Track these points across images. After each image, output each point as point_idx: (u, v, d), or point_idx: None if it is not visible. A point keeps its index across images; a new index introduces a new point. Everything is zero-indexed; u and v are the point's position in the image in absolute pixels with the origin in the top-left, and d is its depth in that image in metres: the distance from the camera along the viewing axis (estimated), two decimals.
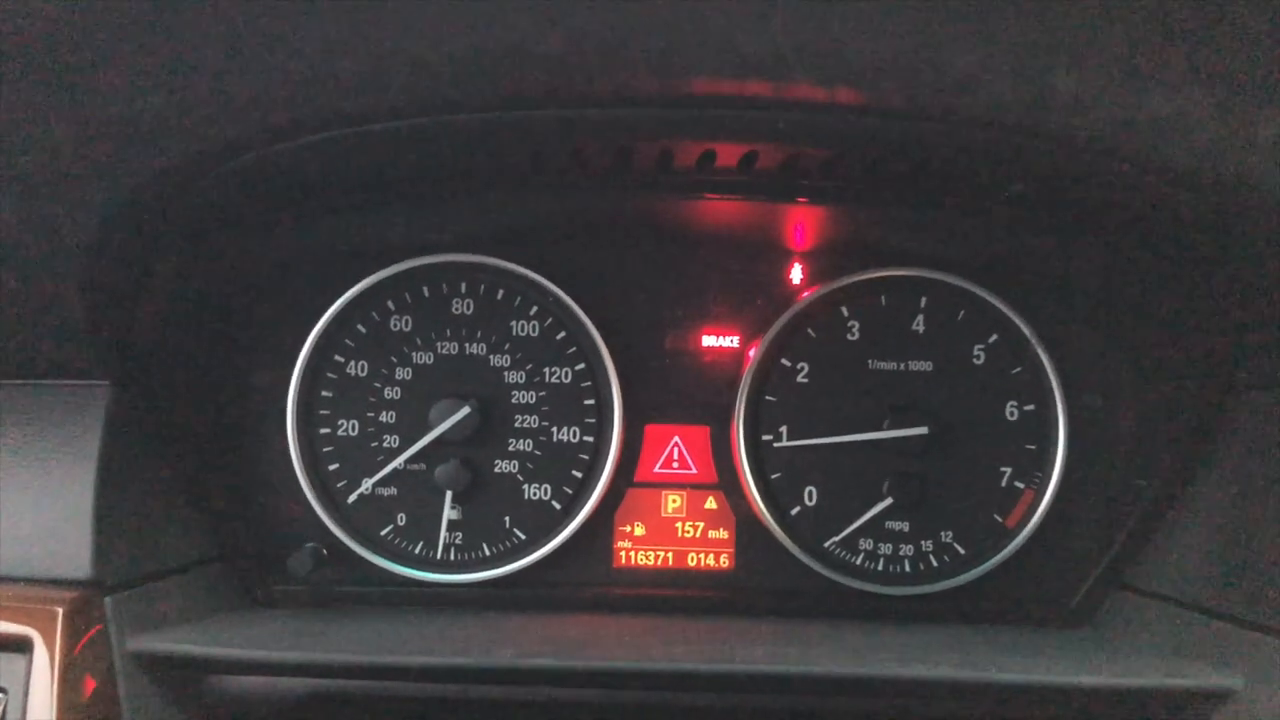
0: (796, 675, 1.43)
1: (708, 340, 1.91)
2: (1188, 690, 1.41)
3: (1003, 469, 1.85)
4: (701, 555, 1.91)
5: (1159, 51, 0.65)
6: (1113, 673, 1.44)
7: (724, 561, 1.90)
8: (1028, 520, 1.83)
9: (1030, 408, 1.85)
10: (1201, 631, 1.52)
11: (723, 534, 1.91)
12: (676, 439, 1.91)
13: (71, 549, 1.47)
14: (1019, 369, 1.85)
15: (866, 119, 1.09)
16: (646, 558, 1.91)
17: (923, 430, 1.81)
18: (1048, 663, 1.51)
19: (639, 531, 1.91)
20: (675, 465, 1.91)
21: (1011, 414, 1.85)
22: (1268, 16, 0.62)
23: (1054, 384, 1.83)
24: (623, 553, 1.91)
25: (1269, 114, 0.65)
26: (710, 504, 1.91)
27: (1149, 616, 1.68)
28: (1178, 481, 1.71)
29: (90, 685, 1.42)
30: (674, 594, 1.89)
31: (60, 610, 1.40)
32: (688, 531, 1.91)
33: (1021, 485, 1.85)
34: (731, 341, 1.91)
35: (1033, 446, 1.85)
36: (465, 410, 1.81)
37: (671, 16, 0.82)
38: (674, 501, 1.91)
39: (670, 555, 1.91)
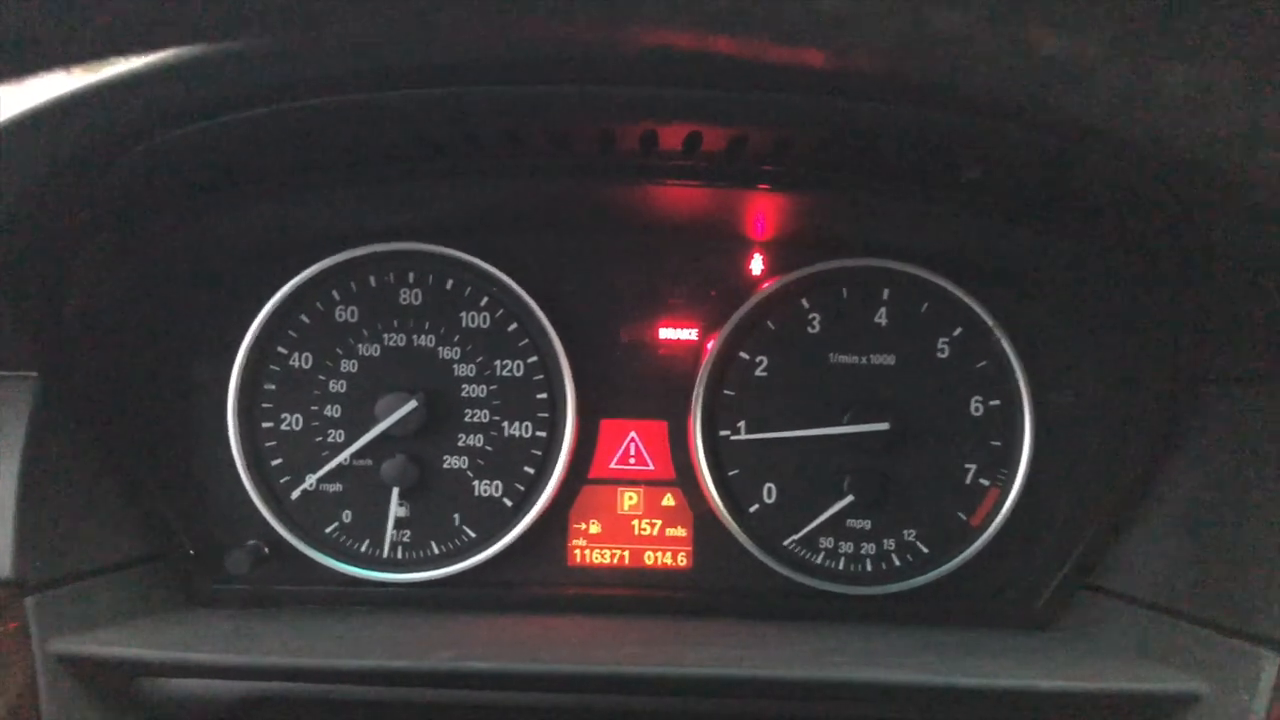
0: (749, 679, 1.38)
1: (665, 333, 1.85)
2: (1152, 694, 1.36)
3: (967, 466, 1.80)
4: (659, 554, 1.85)
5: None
6: (1076, 676, 1.40)
7: (682, 560, 1.85)
8: (992, 519, 1.78)
9: (995, 403, 1.80)
10: (1168, 634, 1.48)
11: (680, 532, 1.85)
12: (633, 434, 1.86)
13: None
14: (984, 363, 1.80)
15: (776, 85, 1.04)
16: (602, 556, 1.85)
17: (884, 426, 1.76)
18: (1010, 666, 1.46)
19: (594, 529, 1.85)
20: (632, 461, 1.86)
21: (976, 409, 1.80)
22: None
23: (1019, 378, 1.78)
24: (577, 551, 1.85)
25: (1173, 65, 0.59)
26: (668, 501, 1.86)
27: (1116, 618, 1.63)
28: (1146, 479, 1.67)
29: (10, 688, 1.36)
30: (630, 593, 1.83)
31: None
32: (644, 529, 1.85)
33: (986, 482, 1.80)
34: (689, 334, 1.85)
35: (998, 443, 1.80)
36: (412, 404, 1.75)
37: None
38: (630, 498, 1.86)
39: (626, 554, 1.85)
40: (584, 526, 1.85)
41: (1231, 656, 1.34)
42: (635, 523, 1.85)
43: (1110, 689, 1.37)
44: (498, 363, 1.81)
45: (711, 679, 1.38)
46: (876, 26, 0.62)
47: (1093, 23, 0.57)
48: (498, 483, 1.81)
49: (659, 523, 1.86)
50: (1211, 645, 1.38)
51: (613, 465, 1.86)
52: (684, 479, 1.85)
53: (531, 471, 1.81)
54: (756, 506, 1.81)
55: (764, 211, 1.77)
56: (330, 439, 1.79)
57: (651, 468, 1.86)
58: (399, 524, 1.79)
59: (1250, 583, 1.35)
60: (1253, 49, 0.60)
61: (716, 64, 0.94)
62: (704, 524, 1.84)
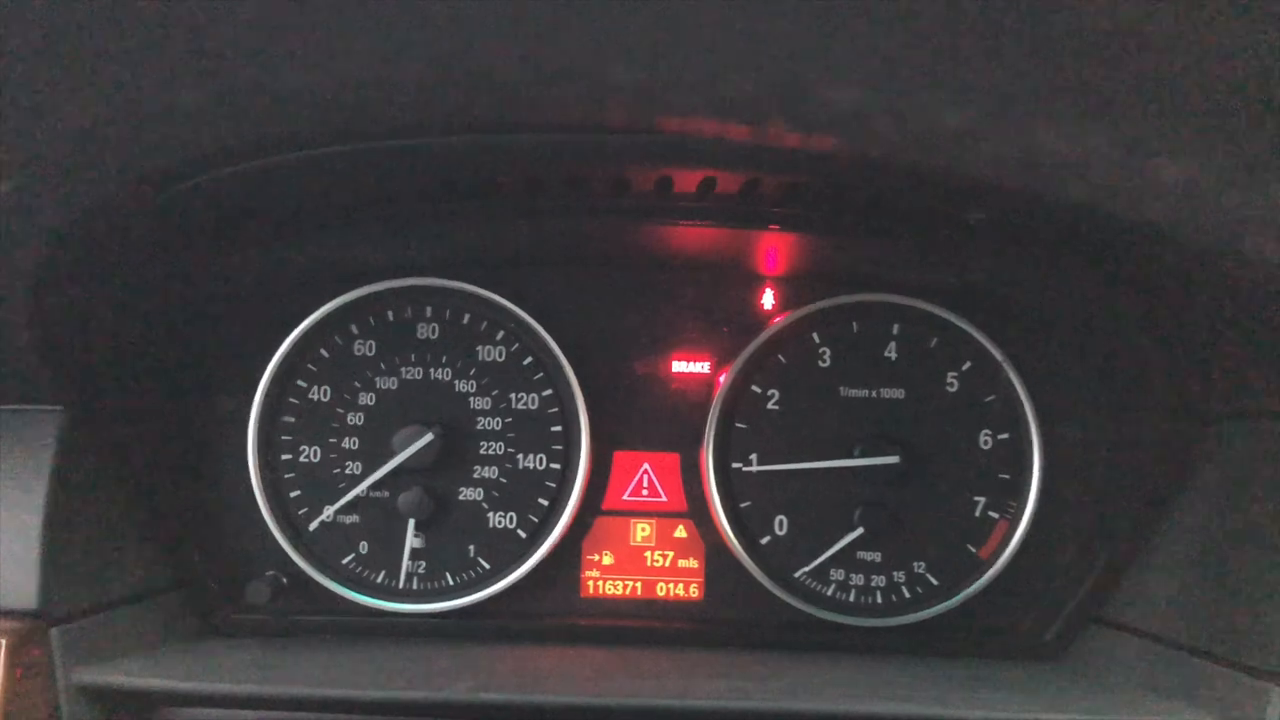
0: (759, 711, 1.40)
1: (677, 366, 1.88)
2: None
3: (976, 499, 1.82)
4: (671, 585, 1.87)
5: (1049, 87, 0.61)
6: (1083, 709, 1.42)
7: (694, 591, 1.87)
8: (1001, 551, 1.80)
9: (1004, 436, 1.82)
10: (1176, 668, 1.49)
11: (693, 563, 1.87)
12: (646, 466, 1.88)
13: (17, 578, 1.44)
14: (992, 397, 1.83)
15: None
16: (615, 587, 1.87)
17: (894, 459, 1.78)
18: (1019, 698, 1.48)
19: (607, 561, 1.87)
20: (644, 493, 1.88)
21: (985, 442, 1.82)
22: (1162, 58, 0.58)
23: (1028, 412, 1.80)
24: (590, 582, 1.87)
25: (1171, 157, 0.62)
26: (680, 533, 1.88)
27: (1124, 651, 1.65)
28: (1155, 513, 1.68)
29: (34, 718, 1.39)
30: (643, 625, 1.85)
31: (3, 641, 1.37)
32: (657, 561, 1.87)
33: (995, 515, 1.82)
34: (701, 367, 1.88)
35: (1006, 476, 1.82)
36: (428, 437, 1.77)
37: (649, 53, 0.78)
38: (643, 530, 1.88)
39: (639, 585, 1.87)
40: (597, 558, 1.87)
41: (1238, 691, 1.35)
42: (648, 554, 1.88)
43: None
44: (513, 396, 1.84)
45: (722, 711, 1.39)
46: (888, 124, 0.64)
47: (1096, 119, 0.60)
48: (512, 514, 1.83)
49: (671, 554, 1.88)
50: (1218, 680, 1.39)
51: (626, 497, 1.88)
52: (696, 511, 1.87)
53: (545, 503, 1.83)
54: (768, 538, 1.83)
55: (775, 249, 1.80)
56: (348, 471, 1.82)
57: (664, 500, 1.88)
58: (415, 555, 1.81)
59: (1256, 617, 1.37)
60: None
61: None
62: (716, 556, 1.86)
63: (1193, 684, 1.44)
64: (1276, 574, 1.36)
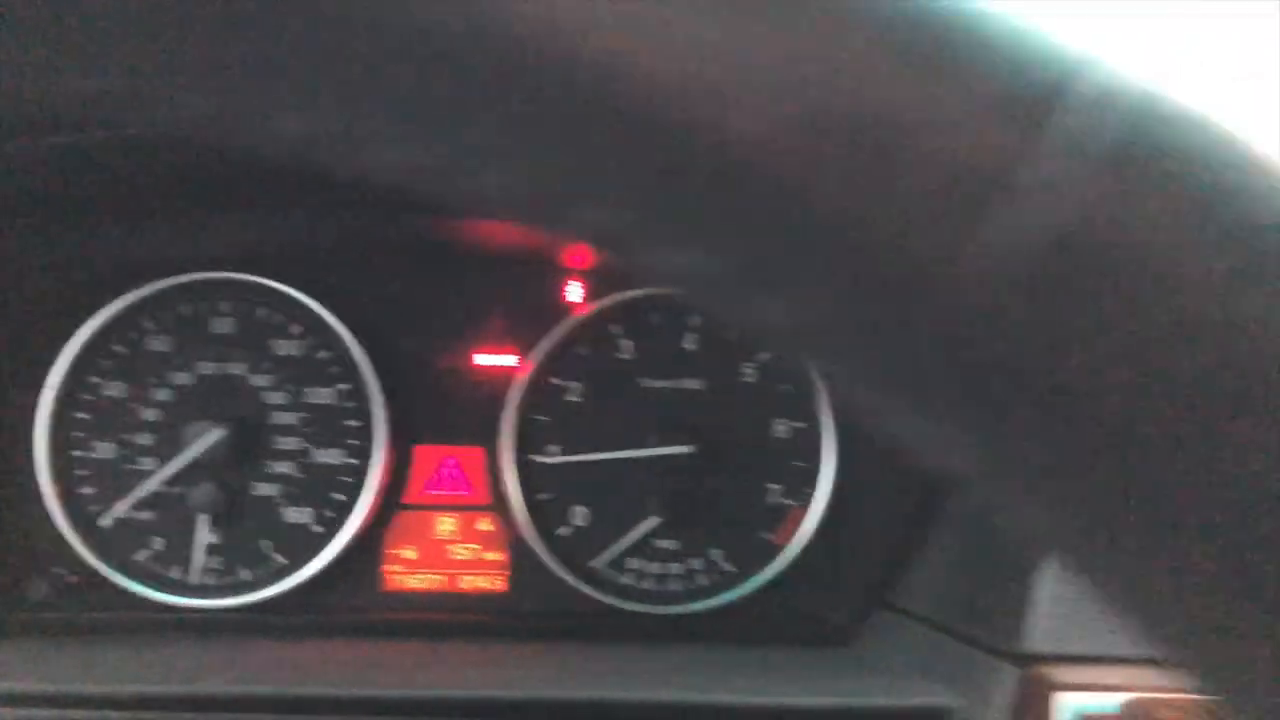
0: (545, 700, 1.41)
1: (480, 359, 1.88)
2: (906, 709, 1.41)
3: (772, 486, 1.84)
4: (475, 578, 1.87)
5: None
6: (839, 693, 1.44)
7: (499, 584, 1.87)
8: (796, 538, 1.83)
9: (800, 424, 1.85)
10: (938, 650, 1.53)
11: (498, 556, 1.88)
12: (448, 460, 1.88)
13: None
14: (788, 386, 1.85)
15: None
16: (417, 581, 1.87)
17: (689, 448, 1.80)
18: (785, 683, 1.50)
19: (409, 555, 1.87)
20: (447, 487, 1.88)
21: (781, 431, 1.85)
22: None
23: (822, 401, 1.83)
24: (392, 576, 1.86)
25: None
26: (484, 525, 1.88)
27: (904, 636, 1.68)
28: (937, 500, 1.72)
29: None
30: (446, 618, 1.85)
31: None
32: (461, 554, 1.87)
33: (790, 503, 1.84)
34: (505, 360, 1.88)
35: (802, 464, 1.84)
36: (218, 432, 1.75)
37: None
38: (446, 524, 1.88)
39: (442, 579, 1.87)
40: (398, 552, 1.87)
41: (980, 671, 1.38)
42: (452, 548, 1.87)
43: (870, 704, 1.41)
44: (309, 390, 1.82)
45: (509, 700, 1.40)
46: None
47: None
48: (309, 509, 1.82)
49: (476, 547, 1.88)
50: (967, 660, 1.43)
51: (428, 491, 1.88)
52: (499, 504, 1.87)
53: (342, 498, 1.82)
54: (566, 530, 1.84)
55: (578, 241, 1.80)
56: (142, 467, 1.79)
57: (467, 493, 1.88)
58: (209, 550, 1.79)
59: (998, 598, 1.40)
60: None
61: None
62: (518, 548, 1.87)
63: (948, 665, 1.47)
64: (1014, 556, 1.39)
